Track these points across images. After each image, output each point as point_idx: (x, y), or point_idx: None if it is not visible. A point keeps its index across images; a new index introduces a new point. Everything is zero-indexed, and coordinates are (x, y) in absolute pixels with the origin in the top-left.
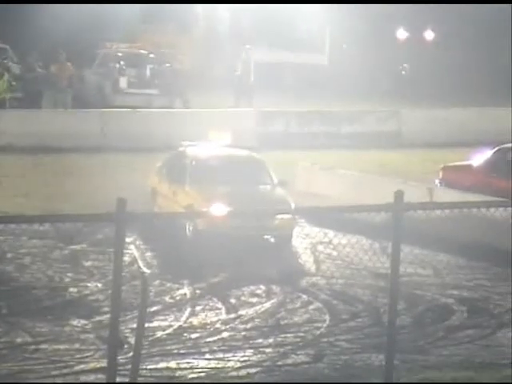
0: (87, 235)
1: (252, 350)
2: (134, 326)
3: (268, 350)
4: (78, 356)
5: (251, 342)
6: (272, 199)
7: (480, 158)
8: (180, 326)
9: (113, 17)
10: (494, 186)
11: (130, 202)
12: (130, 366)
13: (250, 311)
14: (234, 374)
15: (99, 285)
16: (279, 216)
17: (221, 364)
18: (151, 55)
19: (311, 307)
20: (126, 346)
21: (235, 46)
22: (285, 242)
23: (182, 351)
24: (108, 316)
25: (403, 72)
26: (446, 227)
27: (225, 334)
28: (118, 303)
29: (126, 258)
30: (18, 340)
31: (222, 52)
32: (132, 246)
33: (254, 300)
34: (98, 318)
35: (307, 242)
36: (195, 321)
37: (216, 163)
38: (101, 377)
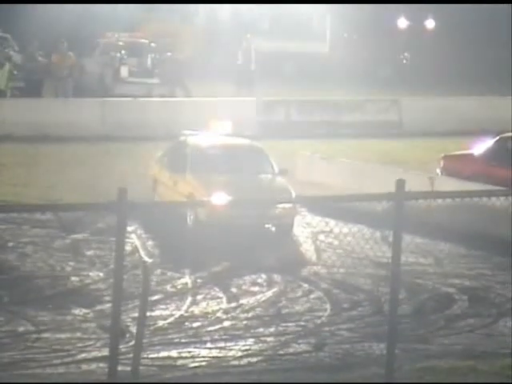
0: (89, 224)
1: (253, 339)
2: (136, 315)
3: (269, 339)
4: (79, 345)
5: (252, 331)
6: (273, 188)
7: (481, 147)
8: (181, 315)
9: (114, 6)
10: (494, 175)
11: (130, 191)
12: (131, 355)
13: (251, 300)
14: (236, 362)
15: (101, 274)
16: (280, 205)
17: (222, 353)
18: (152, 44)
19: (312, 296)
20: (127, 335)
21: (236, 35)
22: (286, 231)
23: (183, 340)
24: (109, 305)
25: (404, 61)
26: (447, 216)
27: (226, 323)
28: (120, 292)
29: (128, 247)
30: (20, 329)
31: (223, 41)
32: (133, 235)
33: (255, 289)
34: (99, 307)
35: (308, 231)
36: (196, 310)
37: (217, 152)
38: (102, 366)
